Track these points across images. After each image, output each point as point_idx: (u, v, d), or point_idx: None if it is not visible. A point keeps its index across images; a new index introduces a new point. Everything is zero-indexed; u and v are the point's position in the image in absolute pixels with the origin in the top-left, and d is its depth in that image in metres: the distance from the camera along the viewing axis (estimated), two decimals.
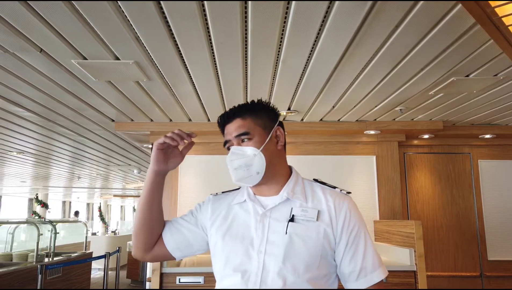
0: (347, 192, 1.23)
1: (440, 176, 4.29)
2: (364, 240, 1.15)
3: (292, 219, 1.13)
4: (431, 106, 3.37)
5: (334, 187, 1.25)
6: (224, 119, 1.25)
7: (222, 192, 1.34)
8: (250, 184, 1.18)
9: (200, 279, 2.99)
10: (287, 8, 1.78)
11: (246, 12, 1.82)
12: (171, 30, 1.97)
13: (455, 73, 2.58)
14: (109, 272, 5.55)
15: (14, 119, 3.78)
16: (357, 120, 3.91)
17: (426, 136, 4.24)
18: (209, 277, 2.99)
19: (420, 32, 2.01)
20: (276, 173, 1.21)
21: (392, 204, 4.04)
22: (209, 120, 3.86)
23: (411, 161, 4.33)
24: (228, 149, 1.22)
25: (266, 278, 1.06)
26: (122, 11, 1.78)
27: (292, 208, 1.15)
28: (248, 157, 1.16)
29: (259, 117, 1.23)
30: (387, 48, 2.19)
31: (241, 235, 1.15)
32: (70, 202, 19.22)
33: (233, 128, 1.21)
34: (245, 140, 1.19)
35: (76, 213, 14.55)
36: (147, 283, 3.63)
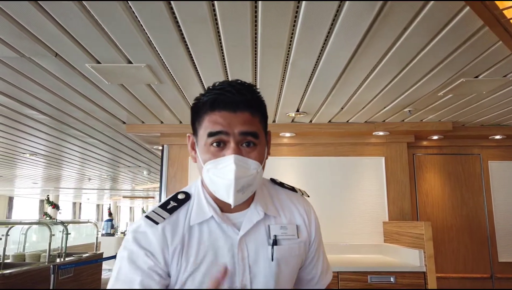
0: (304, 193, 1.13)
1: (450, 177, 4.28)
2: (322, 246, 1.13)
3: (275, 242, 0.96)
4: (440, 107, 3.37)
5: (293, 188, 1.11)
6: (223, 104, 0.90)
7: (162, 209, 0.96)
8: (238, 203, 0.91)
9: None
10: (297, 10, 1.81)
11: (256, 15, 1.85)
12: (182, 34, 2.01)
13: (464, 74, 2.59)
14: None
15: (28, 121, 3.86)
16: (366, 121, 3.92)
17: (435, 137, 4.23)
18: None
19: (428, 34, 2.02)
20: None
21: (401, 205, 4.04)
22: None
23: (421, 162, 4.32)
24: (218, 145, 0.89)
25: None
26: (136, 16, 1.82)
27: (269, 226, 0.98)
28: (252, 176, 0.89)
29: (265, 115, 0.99)
30: (396, 49, 2.21)
31: (217, 268, 0.91)
32: (80, 203, 19.43)
33: (237, 121, 0.89)
34: (251, 144, 0.91)
35: (110, 214, 14.66)
36: None
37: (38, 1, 1.69)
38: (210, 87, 0.96)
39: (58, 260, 5.53)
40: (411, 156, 4.29)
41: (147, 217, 0.94)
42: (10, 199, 14.38)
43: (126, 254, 0.90)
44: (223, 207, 0.97)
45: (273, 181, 1.11)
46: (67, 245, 5.98)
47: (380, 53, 2.27)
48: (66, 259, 5.72)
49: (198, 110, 0.94)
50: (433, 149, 4.35)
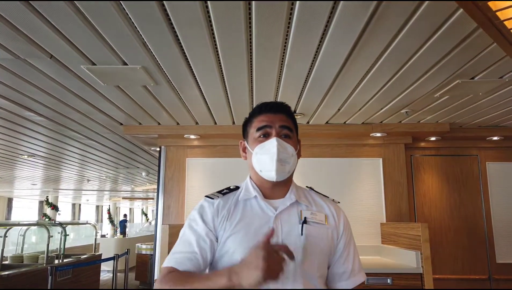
0: (335, 200, 1.33)
1: (448, 179, 4.27)
2: (354, 245, 1.28)
3: (305, 221, 1.16)
4: (437, 108, 3.37)
5: (327, 197, 1.33)
6: (268, 108, 1.24)
7: (218, 192, 1.27)
8: (280, 179, 1.17)
9: None
10: (291, 12, 1.81)
11: (250, 17, 1.85)
12: (177, 35, 2.02)
13: (460, 75, 2.59)
14: (118, 274, 5.61)
15: (26, 123, 3.87)
16: (363, 123, 3.92)
17: (433, 139, 4.23)
18: None
19: (423, 35, 2.02)
20: (290, 178, 1.25)
21: (399, 207, 4.04)
22: (215, 123, 3.90)
23: (418, 164, 4.32)
24: (265, 136, 1.20)
25: (287, 279, 1.07)
26: (130, 18, 1.83)
27: (301, 211, 1.19)
28: (288, 154, 1.18)
29: (295, 125, 1.29)
30: (391, 51, 2.21)
31: (254, 236, 1.11)
32: (80, 205, 19.43)
33: (277, 119, 1.21)
34: (288, 136, 1.20)
35: (125, 215, 14.69)
36: (155, 285, 3.68)
37: (32, 3, 1.70)
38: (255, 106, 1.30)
39: (56, 261, 5.53)
40: (408, 157, 4.29)
41: (206, 196, 1.26)
42: (9, 201, 14.38)
43: (188, 222, 1.20)
44: (265, 193, 1.22)
45: (309, 188, 1.36)
46: (66, 247, 5.98)
47: (375, 54, 2.27)
48: (65, 260, 5.71)
49: (250, 117, 1.28)
50: (431, 150, 4.34)
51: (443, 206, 4.22)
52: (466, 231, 4.15)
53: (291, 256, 0.97)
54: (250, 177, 1.29)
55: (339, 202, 1.33)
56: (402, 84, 2.76)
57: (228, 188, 1.28)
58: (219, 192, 1.27)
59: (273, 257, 0.93)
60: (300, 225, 1.15)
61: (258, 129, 1.21)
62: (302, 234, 1.14)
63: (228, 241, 1.13)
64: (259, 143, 1.20)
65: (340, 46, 2.14)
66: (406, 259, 3.24)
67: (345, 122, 3.91)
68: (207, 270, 1.17)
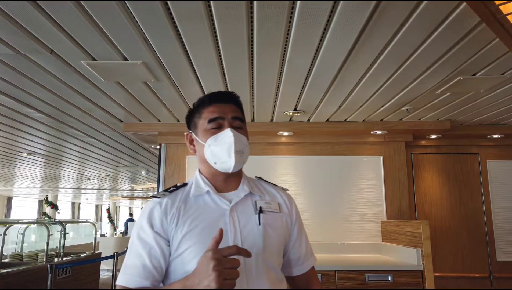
0: (284, 188, 1.34)
1: (448, 177, 4.27)
2: (304, 231, 1.31)
3: (261, 211, 1.16)
4: (438, 105, 3.37)
5: (277, 185, 1.33)
6: (218, 98, 1.20)
7: (165, 191, 1.20)
8: (236, 170, 1.16)
9: None
10: (292, 8, 1.80)
11: (252, 12, 1.84)
12: (178, 31, 2.01)
13: (461, 72, 2.58)
14: (117, 272, 5.59)
15: (25, 120, 3.85)
16: (363, 120, 3.91)
17: (433, 136, 4.22)
18: None
19: (425, 31, 2.02)
20: (241, 169, 1.25)
21: (399, 205, 4.03)
22: None
23: (419, 162, 4.31)
24: (217, 127, 1.16)
25: (251, 270, 1.07)
26: (131, 12, 1.82)
27: (255, 201, 1.19)
28: (244, 144, 1.17)
29: (244, 116, 1.27)
30: (392, 46, 2.20)
31: (211, 231, 1.06)
32: (79, 204, 19.41)
33: (229, 109, 1.19)
34: (240, 127, 1.19)
35: (131, 215, 14.65)
36: None
37: None
38: (202, 96, 1.25)
39: (56, 259, 5.52)
40: (409, 155, 4.28)
41: (152, 196, 1.19)
42: (9, 199, 14.36)
43: (137, 231, 1.13)
44: (217, 187, 1.20)
45: (258, 177, 1.34)
46: (66, 245, 5.98)
47: (376, 50, 2.26)
48: (64, 258, 5.71)
49: (198, 108, 1.23)
50: (431, 148, 4.34)
51: (444, 204, 4.21)
52: (466, 229, 4.15)
53: (246, 253, 0.96)
54: (200, 172, 1.25)
55: (288, 190, 1.34)
56: (403, 81, 2.75)
57: (175, 186, 1.23)
58: (166, 190, 1.20)
59: (224, 263, 0.91)
60: (257, 215, 1.15)
61: (210, 121, 1.17)
62: (260, 224, 1.14)
63: (184, 240, 1.08)
64: (212, 134, 1.16)
65: (342, 41, 2.13)
66: (407, 257, 3.23)
67: (345, 120, 3.91)
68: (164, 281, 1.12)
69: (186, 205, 1.15)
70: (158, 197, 1.17)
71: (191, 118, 1.25)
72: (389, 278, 3.06)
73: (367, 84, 2.84)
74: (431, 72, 2.58)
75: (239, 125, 1.19)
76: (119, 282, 1.08)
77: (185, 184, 1.23)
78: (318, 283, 1.31)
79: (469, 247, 4.11)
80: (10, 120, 3.86)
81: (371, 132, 4.02)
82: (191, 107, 1.27)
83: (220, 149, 1.14)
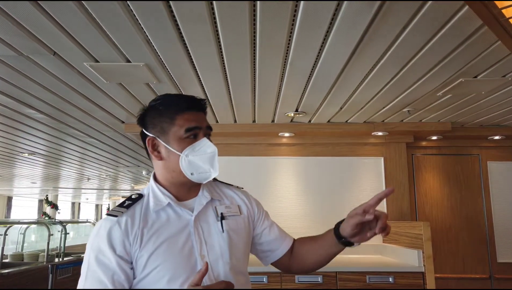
0: (239, 187, 1.34)
1: (449, 178, 4.27)
2: (271, 219, 1.33)
3: (222, 217, 1.15)
4: (440, 107, 3.37)
5: (232, 185, 1.33)
6: (194, 105, 1.16)
7: (120, 206, 1.11)
8: (210, 179, 1.13)
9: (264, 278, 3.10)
10: (295, 9, 1.81)
11: (254, 14, 1.85)
12: (181, 32, 2.01)
13: (463, 74, 2.58)
14: None
15: (27, 120, 3.85)
16: (365, 122, 3.92)
17: (434, 138, 4.23)
18: (274, 276, 3.07)
19: (427, 33, 2.02)
20: None
21: (400, 206, 4.04)
22: (217, 121, 3.90)
23: (419, 163, 4.32)
24: (194, 137, 1.12)
25: (219, 279, 1.07)
26: (134, 14, 1.82)
27: (216, 207, 1.18)
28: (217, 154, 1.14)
29: None
30: (394, 49, 2.21)
31: (177, 245, 1.05)
32: (79, 203, 19.42)
33: (202, 118, 1.17)
34: (209, 136, 1.17)
35: None
36: None
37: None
38: (166, 96, 1.18)
39: (56, 259, 5.52)
40: (410, 157, 4.29)
41: (108, 214, 1.08)
42: (9, 199, 14.35)
43: (95, 254, 1.01)
44: (178, 197, 1.15)
45: (214, 179, 1.30)
46: (66, 245, 5.97)
47: (379, 52, 2.27)
48: (65, 258, 5.70)
49: (167, 112, 1.14)
50: (432, 149, 4.35)
51: (444, 205, 4.22)
52: (467, 230, 4.16)
53: (231, 286, 1.00)
54: (156, 180, 1.17)
55: (242, 188, 1.34)
56: (405, 82, 2.76)
57: (130, 198, 1.14)
58: (121, 205, 1.11)
59: None
60: (219, 222, 1.14)
61: (189, 130, 1.10)
62: (223, 231, 1.12)
63: (151, 260, 1.02)
64: (188, 144, 1.10)
65: (344, 43, 2.14)
66: (408, 258, 3.24)
67: (346, 121, 3.91)
68: None
69: (148, 221, 1.07)
70: (115, 216, 1.06)
71: (153, 121, 1.15)
72: (390, 280, 3.06)
73: (369, 86, 2.84)
74: (433, 74, 2.59)
75: (210, 134, 1.18)
76: None
77: (140, 196, 1.14)
78: None
79: (470, 248, 4.12)
80: (11, 121, 3.86)
81: (372, 133, 4.02)
82: (144, 105, 1.21)
83: (200, 159, 1.09)
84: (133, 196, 1.15)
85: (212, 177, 1.11)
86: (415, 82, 2.75)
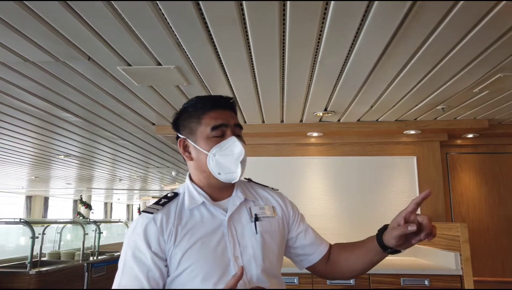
0: (274, 188, 1.32)
1: (486, 177, 4.11)
2: (307, 223, 1.30)
3: (256, 218, 1.13)
4: (476, 104, 3.24)
5: (267, 186, 1.32)
6: (220, 103, 1.15)
7: (156, 204, 1.13)
8: (236, 180, 1.11)
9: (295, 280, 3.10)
10: (326, 8, 1.78)
11: (284, 14, 1.83)
12: (210, 35, 2.02)
13: (501, 69, 2.47)
14: None
15: (62, 123, 4.00)
16: (396, 120, 3.82)
17: (470, 136, 4.07)
18: (305, 278, 3.06)
19: (463, 28, 1.94)
20: None
21: (434, 206, 3.91)
22: (245, 122, 3.91)
23: (455, 162, 4.17)
24: (221, 136, 1.10)
25: (252, 281, 1.05)
26: (165, 17, 1.85)
27: (250, 208, 1.16)
28: (246, 154, 1.11)
29: None
30: (428, 46, 2.14)
31: (211, 245, 1.05)
32: (111, 203, 19.97)
33: (230, 116, 1.14)
34: (239, 135, 1.14)
35: None
36: None
37: (71, 4, 1.74)
38: (196, 98, 1.18)
39: (91, 258, 5.70)
40: (444, 155, 4.15)
41: (143, 211, 1.10)
42: (46, 200, 14.95)
43: (131, 251, 1.03)
44: (213, 196, 1.15)
45: (248, 179, 1.31)
46: (100, 244, 6.16)
47: (411, 49, 2.20)
48: (99, 257, 5.88)
49: (195, 112, 1.15)
50: (468, 148, 4.19)
51: (482, 205, 4.06)
52: (506, 231, 3.98)
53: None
54: (192, 180, 1.18)
55: (277, 189, 1.32)
56: (439, 79, 2.67)
57: (166, 197, 1.15)
58: (157, 203, 1.13)
59: None
60: (253, 223, 1.12)
61: (214, 128, 1.10)
62: (257, 233, 1.11)
63: (184, 258, 1.03)
64: (216, 143, 1.09)
65: (375, 42, 2.09)
66: (444, 261, 3.13)
67: (377, 120, 3.83)
68: None
69: (182, 219, 1.08)
70: (151, 213, 1.08)
71: (184, 123, 1.17)
72: (426, 283, 2.97)
73: (401, 84, 2.77)
74: (468, 71, 2.49)
75: (239, 133, 1.15)
76: None
77: (176, 194, 1.16)
78: None
79: (509, 250, 3.94)
80: (48, 124, 4.01)
81: (404, 132, 3.92)
82: (175, 107, 1.26)
83: (227, 160, 1.08)
84: (169, 195, 1.16)
85: (238, 178, 1.10)
86: (449, 79, 2.66)
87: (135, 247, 1.03)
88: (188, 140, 1.16)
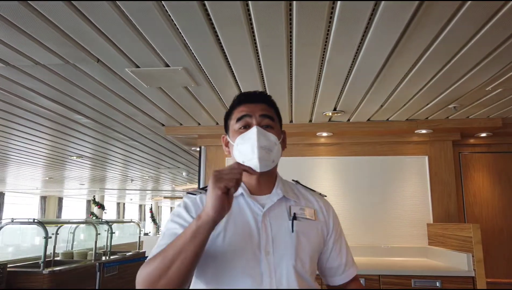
0: (321, 194, 1.29)
1: (500, 177, 4.02)
2: (344, 239, 1.26)
3: (294, 217, 1.12)
4: (489, 102, 3.18)
5: (314, 190, 1.28)
6: (248, 98, 1.19)
7: (201, 189, 1.20)
8: (264, 169, 1.09)
9: None
10: (333, 6, 1.77)
11: (291, 14, 1.82)
12: (217, 36, 2.02)
13: None
14: None
15: (74, 125, 4.05)
16: (407, 119, 3.77)
17: (483, 135, 4.00)
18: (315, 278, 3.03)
19: (474, 25, 1.91)
20: (274, 171, 1.20)
21: (446, 207, 3.85)
22: None
23: (467, 161, 4.10)
24: (245, 127, 1.14)
25: (281, 279, 1.04)
26: (172, 19, 1.85)
27: (290, 207, 1.15)
28: (272, 142, 1.11)
29: (278, 114, 1.24)
30: (439, 42, 2.10)
31: (242, 235, 1.07)
32: (124, 204, 20.18)
33: (258, 108, 1.16)
34: (268, 126, 1.14)
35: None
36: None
37: (78, 6, 1.76)
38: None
39: (103, 258, 5.76)
40: (456, 155, 4.08)
41: (188, 192, 1.20)
42: (60, 200, 15.19)
43: (171, 217, 1.13)
44: (251, 190, 1.16)
45: (295, 181, 1.29)
46: (112, 244, 6.23)
47: (421, 48, 2.17)
48: (111, 257, 5.94)
49: (230, 110, 1.23)
50: (481, 147, 4.11)
51: (495, 206, 3.98)
52: None
53: (250, 169, 1.02)
54: None
55: (325, 196, 1.29)
56: (451, 77, 2.62)
57: None
58: (202, 188, 1.19)
59: (223, 171, 0.94)
60: (290, 221, 1.11)
61: (238, 120, 1.15)
62: (292, 231, 1.09)
63: (217, 241, 1.05)
64: (240, 134, 1.13)
65: (385, 39, 2.06)
66: (456, 262, 3.08)
67: (387, 119, 3.79)
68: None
69: None
70: (194, 194, 1.17)
71: (226, 121, 1.25)
72: (438, 284, 2.93)
73: (411, 82, 2.73)
74: (482, 68, 2.44)
75: (268, 123, 1.15)
76: (152, 255, 1.01)
77: None
78: None
79: None
80: (61, 126, 4.07)
81: (415, 131, 3.87)
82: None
83: (246, 146, 1.10)
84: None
85: (258, 164, 1.07)
86: (461, 77, 2.61)
87: (177, 215, 1.12)
88: (227, 136, 1.23)
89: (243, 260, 1.03)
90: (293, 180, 1.30)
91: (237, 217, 1.10)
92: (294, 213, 1.13)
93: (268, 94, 1.23)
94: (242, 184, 1.15)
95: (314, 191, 1.28)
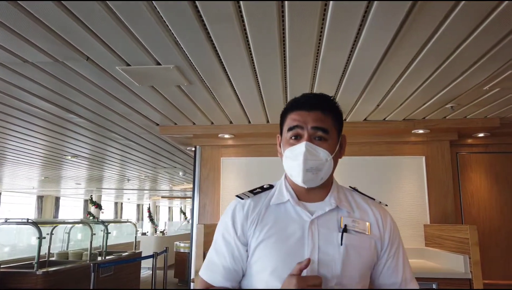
0: (382, 203, 1.21)
1: (497, 178, 3.99)
2: (403, 254, 1.16)
3: (345, 229, 1.05)
4: (486, 102, 3.15)
5: (373, 199, 1.20)
6: (302, 104, 1.11)
7: (250, 192, 1.18)
8: (310, 186, 1.08)
9: None
10: (325, 4, 1.73)
11: (283, 11, 1.78)
12: (208, 33, 1.98)
13: None
14: (157, 271, 5.72)
15: (68, 125, 4.01)
16: (404, 119, 3.73)
17: (481, 135, 3.96)
18: None
19: (472, 22, 1.87)
20: (329, 180, 1.14)
21: (443, 208, 3.82)
22: (249, 122, 3.86)
23: (465, 162, 4.06)
24: (296, 138, 1.09)
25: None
26: (161, 16, 1.81)
27: (342, 217, 1.08)
28: (320, 161, 1.06)
29: (338, 119, 1.14)
30: (435, 41, 2.06)
31: (287, 242, 1.04)
32: (121, 203, 20.13)
33: (311, 118, 1.08)
34: (322, 139, 1.07)
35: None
36: (191, 284, 3.69)
37: (66, 4, 1.72)
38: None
39: (99, 258, 5.73)
40: (454, 155, 4.04)
41: (237, 196, 1.17)
42: (57, 199, 15.13)
43: (222, 230, 1.15)
44: (301, 196, 1.12)
45: (353, 188, 1.23)
46: (108, 244, 6.18)
47: (417, 46, 2.13)
48: (107, 257, 5.90)
49: (284, 113, 1.17)
50: (479, 147, 4.08)
51: (493, 206, 3.94)
52: None
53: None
54: (286, 177, 1.18)
55: (386, 205, 1.20)
56: (448, 76, 2.58)
57: (262, 187, 1.19)
58: (251, 191, 1.18)
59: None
60: (340, 233, 1.04)
61: (289, 129, 1.10)
62: (341, 244, 1.03)
63: (259, 248, 1.06)
64: (290, 146, 1.09)
65: (379, 37, 2.02)
66: (453, 263, 3.05)
67: (384, 119, 3.75)
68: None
69: (267, 210, 1.11)
70: (242, 198, 1.15)
71: (280, 120, 1.19)
72: (434, 286, 2.89)
73: (408, 81, 2.69)
74: (479, 67, 2.40)
75: (320, 136, 1.07)
76: (203, 275, 1.13)
77: (271, 187, 1.19)
78: None
79: None
80: (55, 126, 4.03)
81: (412, 131, 3.83)
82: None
83: (293, 163, 1.07)
84: (264, 186, 1.19)
85: (302, 185, 1.07)
86: (458, 76, 2.57)
87: (225, 228, 1.13)
88: (280, 137, 1.19)
89: (283, 267, 1.01)
90: (350, 186, 1.23)
91: (282, 223, 1.07)
92: (345, 225, 1.07)
93: (326, 97, 1.14)
94: (290, 190, 1.13)
95: (373, 199, 1.20)
